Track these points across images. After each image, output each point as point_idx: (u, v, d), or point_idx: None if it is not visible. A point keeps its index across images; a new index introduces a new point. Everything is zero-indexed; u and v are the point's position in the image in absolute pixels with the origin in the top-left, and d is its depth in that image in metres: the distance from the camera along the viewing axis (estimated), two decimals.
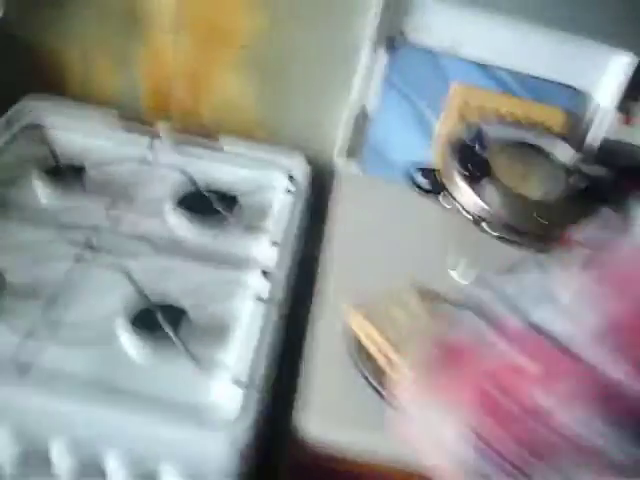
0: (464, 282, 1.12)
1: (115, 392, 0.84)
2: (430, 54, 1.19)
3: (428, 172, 1.14)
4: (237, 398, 0.86)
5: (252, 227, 1.12)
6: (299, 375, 0.94)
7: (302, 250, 1.13)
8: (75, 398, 0.82)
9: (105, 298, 0.95)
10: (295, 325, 1.03)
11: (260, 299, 0.99)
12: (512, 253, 1.13)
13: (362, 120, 1.26)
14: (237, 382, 0.87)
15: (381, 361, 0.92)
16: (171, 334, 0.89)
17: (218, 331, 0.95)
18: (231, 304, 0.99)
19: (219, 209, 1.11)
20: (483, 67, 1.19)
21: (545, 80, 1.19)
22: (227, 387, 0.87)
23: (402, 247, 1.16)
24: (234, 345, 0.94)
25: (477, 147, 1.11)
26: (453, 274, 1.13)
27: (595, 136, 1.21)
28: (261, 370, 0.90)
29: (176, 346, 0.89)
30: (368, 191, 1.26)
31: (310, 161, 1.26)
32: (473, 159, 1.09)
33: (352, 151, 1.29)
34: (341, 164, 1.30)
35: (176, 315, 0.93)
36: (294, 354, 0.99)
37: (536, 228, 1.06)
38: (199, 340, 0.92)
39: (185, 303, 0.95)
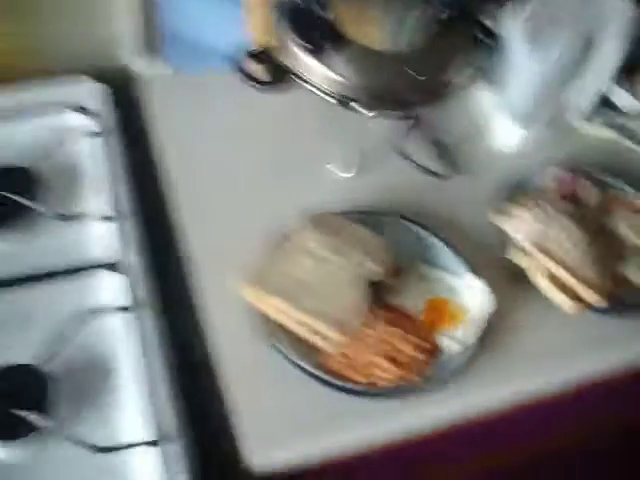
0: (348, 175, 0.91)
1: None
2: None
3: (260, 56, 0.88)
4: (153, 460, 0.66)
5: (67, 204, 0.84)
6: (217, 387, 0.74)
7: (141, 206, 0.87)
8: None
9: None
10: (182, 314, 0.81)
11: (122, 309, 0.75)
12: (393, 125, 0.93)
13: (150, 4, 0.95)
14: (143, 443, 0.67)
15: (305, 335, 0.74)
16: (28, 418, 0.65)
17: (90, 380, 0.72)
18: (91, 332, 0.73)
19: (10, 195, 0.81)
20: None
21: None
22: (134, 453, 0.67)
23: (262, 158, 0.93)
24: (119, 393, 0.71)
25: (313, 6, 0.85)
26: (332, 168, 0.92)
27: None
28: (165, 409, 0.69)
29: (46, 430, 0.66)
30: (190, 95, 0.97)
31: (107, 79, 0.95)
32: (313, 23, 0.85)
33: (152, 48, 0.98)
34: (144, 69, 1.00)
35: (26, 382, 0.68)
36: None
37: (413, 87, 0.86)
38: (70, 401, 0.69)
39: (32, 356, 0.69)
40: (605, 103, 1.02)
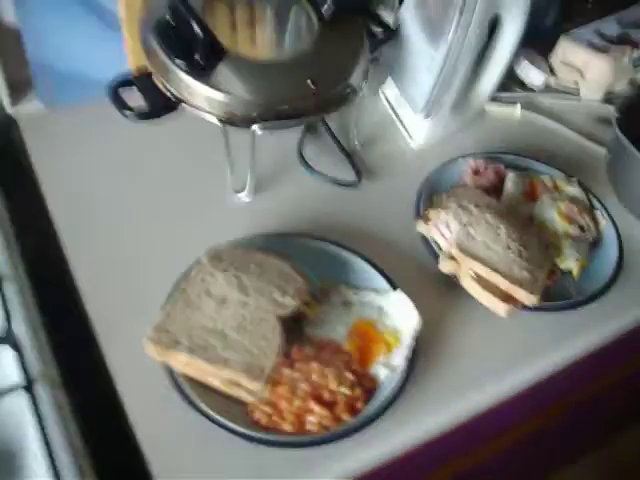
0: (248, 199, 0.84)
1: None
2: None
3: (136, 81, 0.79)
4: None
5: None
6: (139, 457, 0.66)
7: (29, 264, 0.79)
8: None
9: None
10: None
11: (16, 387, 0.66)
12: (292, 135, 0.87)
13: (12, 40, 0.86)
14: None
15: (221, 387, 0.66)
16: None
17: None
18: None
19: None
20: None
21: None
22: None
23: (155, 193, 0.85)
24: None
25: (185, 20, 0.77)
26: (240, 197, 0.85)
27: None
28: None
29: None
30: (69, 130, 0.89)
31: None
32: (187, 39, 0.76)
33: (21, 85, 0.90)
34: (16, 109, 0.91)
35: None
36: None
37: (305, 94, 0.79)
38: None
39: None
40: (511, 80, 0.97)
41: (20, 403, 0.66)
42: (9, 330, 0.70)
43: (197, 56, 0.75)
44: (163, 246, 0.79)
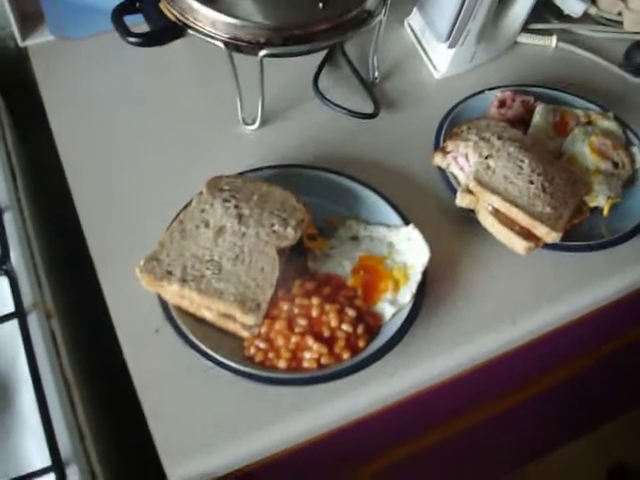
0: (255, 127, 0.80)
1: None
2: None
3: (144, 7, 0.76)
4: None
5: None
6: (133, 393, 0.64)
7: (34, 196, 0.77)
8: None
9: None
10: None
11: (7, 316, 0.65)
12: (309, 65, 0.82)
13: None
14: (39, 471, 0.57)
15: (215, 321, 0.63)
16: None
17: None
18: None
19: None
20: None
21: None
22: None
23: (161, 124, 0.81)
24: (13, 415, 0.61)
25: None
26: (250, 128, 0.81)
27: None
28: (63, 430, 0.59)
29: None
30: (80, 62, 0.86)
31: None
32: None
33: (32, 17, 0.87)
34: (27, 41, 0.88)
35: None
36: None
37: (318, 17, 0.74)
38: None
39: None
40: (545, 7, 0.89)
41: (13, 332, 0.64)
42: (6, 260, 0.68)
43: None
44: (168, 178, 0.76)
